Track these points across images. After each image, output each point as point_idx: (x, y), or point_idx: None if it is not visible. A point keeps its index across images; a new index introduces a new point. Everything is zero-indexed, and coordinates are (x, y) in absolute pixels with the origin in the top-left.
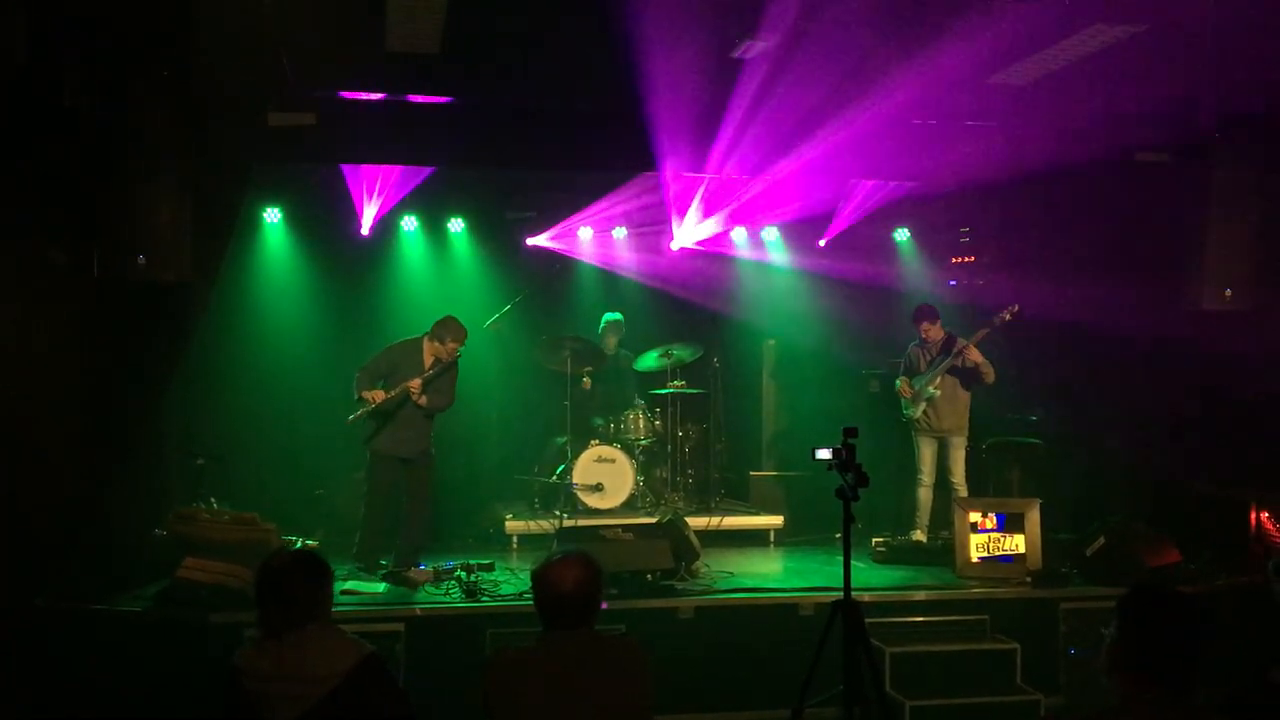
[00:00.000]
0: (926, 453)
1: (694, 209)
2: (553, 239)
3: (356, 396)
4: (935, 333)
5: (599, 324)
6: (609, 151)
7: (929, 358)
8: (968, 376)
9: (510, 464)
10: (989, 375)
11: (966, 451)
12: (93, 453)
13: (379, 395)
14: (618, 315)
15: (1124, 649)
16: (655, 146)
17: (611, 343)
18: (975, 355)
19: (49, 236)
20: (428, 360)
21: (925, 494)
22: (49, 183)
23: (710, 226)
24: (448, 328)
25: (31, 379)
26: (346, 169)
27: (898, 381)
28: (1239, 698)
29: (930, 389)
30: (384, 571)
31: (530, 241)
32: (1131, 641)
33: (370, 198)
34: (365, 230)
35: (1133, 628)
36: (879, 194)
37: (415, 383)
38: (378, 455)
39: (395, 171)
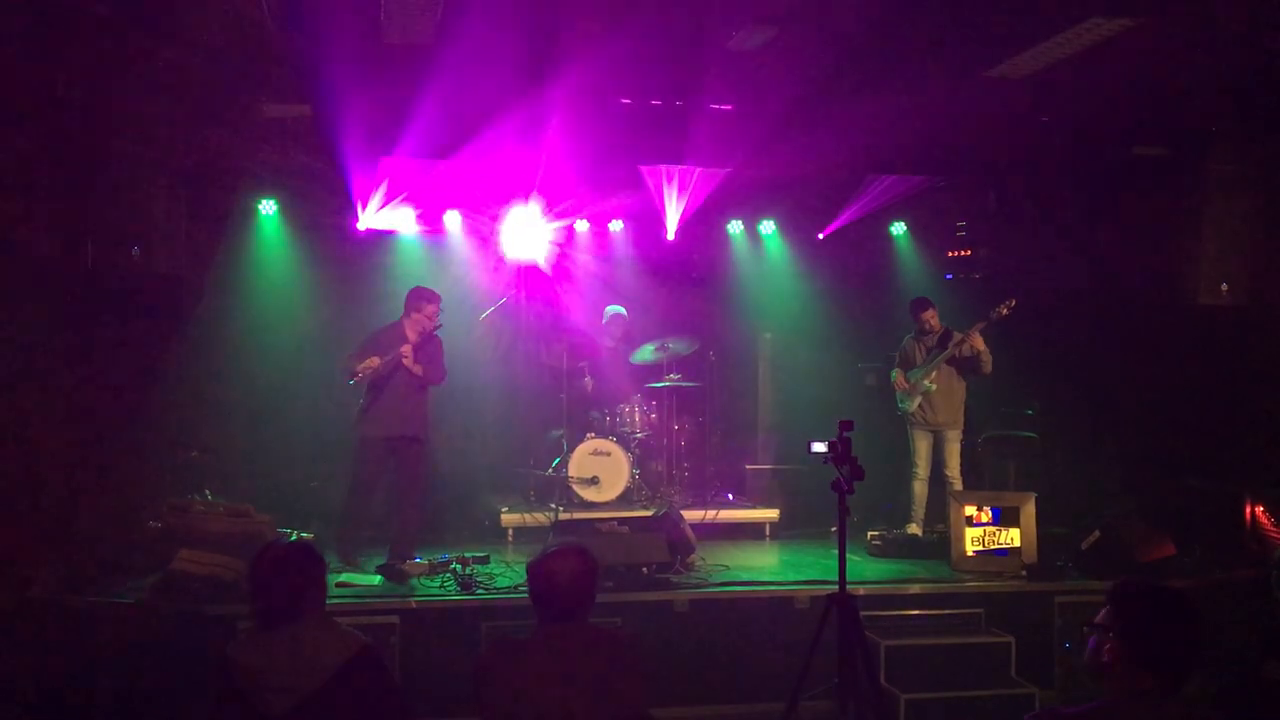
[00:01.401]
0: (922, 446)
1: (680, 198)
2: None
3: (348, 374)
4: (936, 322)
5: (601, 316)
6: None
7: (925, 350)
8: (965, 367)
9: (506, 457)
10: (987, 364)
11: (962, 445)
12: (86, 445)
13: (374, 361)
14: (621, 309)
15: (1115, 644)
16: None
17: (615, 335)
18: (978, 342)
19: (43, 228)
20: (412, 337)
21: (920, 487)
22: (43, 173)
23: (700, 212)
24: (419, 295)
25: (25, 371)
26: (351, 164)
27: (893, 374)
28: (1233, 691)
29: (926, 382)
30: (378, 564)
31: (525, 235)
32: (1123, 637)
33: (371, 194)
34: (361, 226)
35: (1124, 623)
36: (878, 188)
37: (407, 346)
38: (365, 440)
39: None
